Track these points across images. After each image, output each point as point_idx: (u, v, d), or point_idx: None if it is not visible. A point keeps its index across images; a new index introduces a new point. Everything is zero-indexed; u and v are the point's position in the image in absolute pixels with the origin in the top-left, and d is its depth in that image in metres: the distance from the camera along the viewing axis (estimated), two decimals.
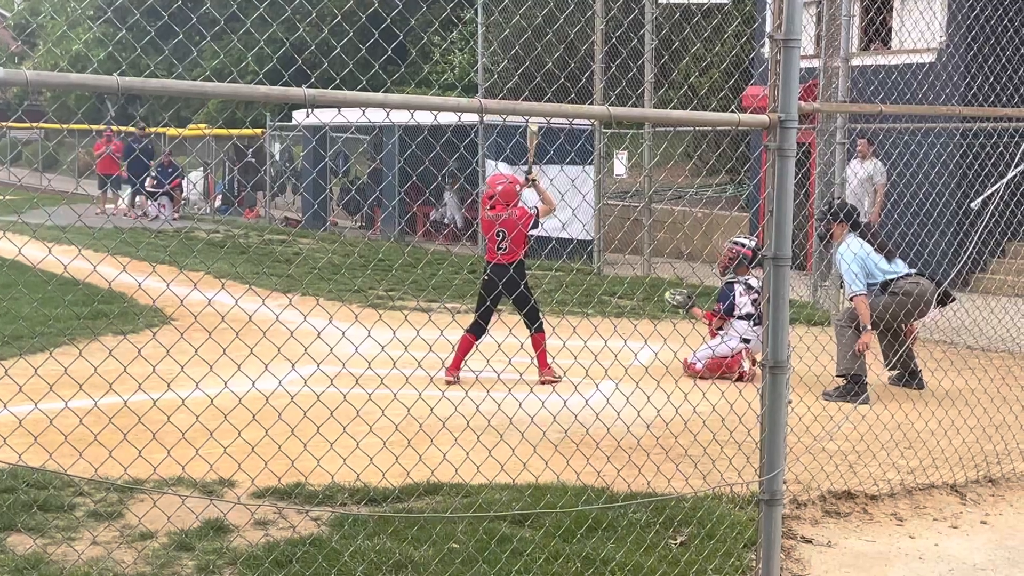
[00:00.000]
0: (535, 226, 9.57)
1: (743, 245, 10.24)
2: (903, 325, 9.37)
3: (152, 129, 27.57)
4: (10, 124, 36.64)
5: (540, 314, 9.42)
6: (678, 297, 10.38)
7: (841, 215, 9.46)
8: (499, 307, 9.74)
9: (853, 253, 9.21)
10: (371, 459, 5.41)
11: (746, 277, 10.16)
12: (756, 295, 9.99)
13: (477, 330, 9.41)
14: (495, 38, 21.42)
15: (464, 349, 9.40)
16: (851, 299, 9.26)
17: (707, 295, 11.44)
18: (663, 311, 10.88)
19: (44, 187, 26.83)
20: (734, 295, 10.09)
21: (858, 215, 9.63)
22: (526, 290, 9.35)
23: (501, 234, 9.42)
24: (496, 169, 19.33)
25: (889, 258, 9.37)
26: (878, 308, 9.09)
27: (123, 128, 28.13)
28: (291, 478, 5.77)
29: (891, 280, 9.28)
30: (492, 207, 9.53)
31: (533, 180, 9.30)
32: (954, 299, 9.45)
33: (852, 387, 9.08)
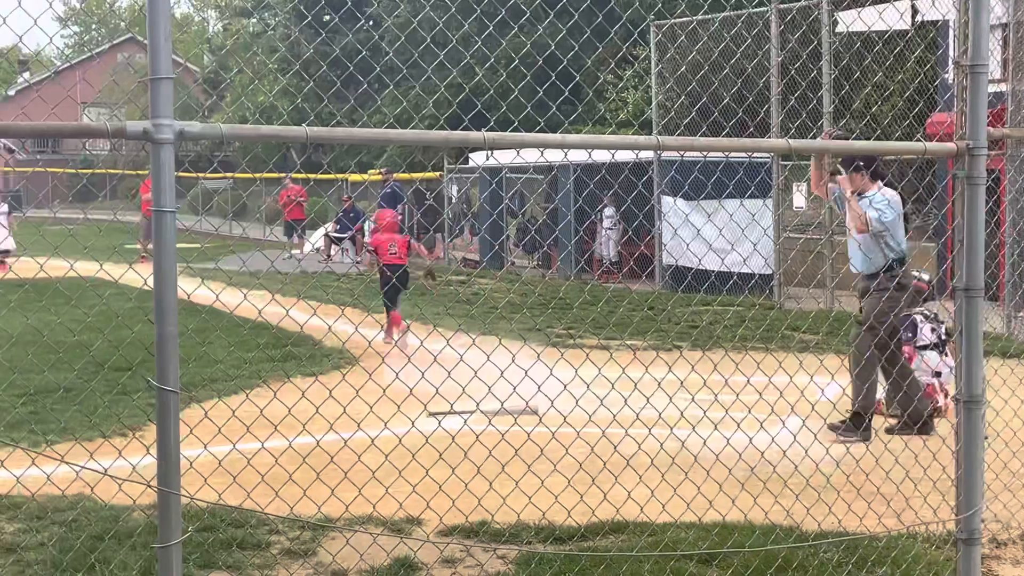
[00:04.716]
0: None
1: (918, 279, 10.00)
2: None
3: (398, 175, 27.62)
4: (206, 175, 38.23)
5: None
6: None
7: None
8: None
9: None
10: (556, 497, 5.44)
11: (921, 308, 9.94)
12: (934, 325, 9.78)
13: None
14: (670, 74, 21.38)
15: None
16: None
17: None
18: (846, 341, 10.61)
19: (238, 235, 27.80)
20: (916, 324, 9.89)
21: None
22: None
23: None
24: (675, 205, 19.28)
25: None
26: None
27: (303, 175, 28.85)
28: (477, 516, 5.83)
29: None
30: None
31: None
32: None
33: None
